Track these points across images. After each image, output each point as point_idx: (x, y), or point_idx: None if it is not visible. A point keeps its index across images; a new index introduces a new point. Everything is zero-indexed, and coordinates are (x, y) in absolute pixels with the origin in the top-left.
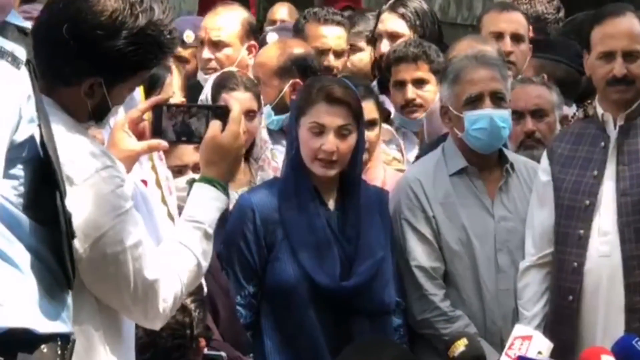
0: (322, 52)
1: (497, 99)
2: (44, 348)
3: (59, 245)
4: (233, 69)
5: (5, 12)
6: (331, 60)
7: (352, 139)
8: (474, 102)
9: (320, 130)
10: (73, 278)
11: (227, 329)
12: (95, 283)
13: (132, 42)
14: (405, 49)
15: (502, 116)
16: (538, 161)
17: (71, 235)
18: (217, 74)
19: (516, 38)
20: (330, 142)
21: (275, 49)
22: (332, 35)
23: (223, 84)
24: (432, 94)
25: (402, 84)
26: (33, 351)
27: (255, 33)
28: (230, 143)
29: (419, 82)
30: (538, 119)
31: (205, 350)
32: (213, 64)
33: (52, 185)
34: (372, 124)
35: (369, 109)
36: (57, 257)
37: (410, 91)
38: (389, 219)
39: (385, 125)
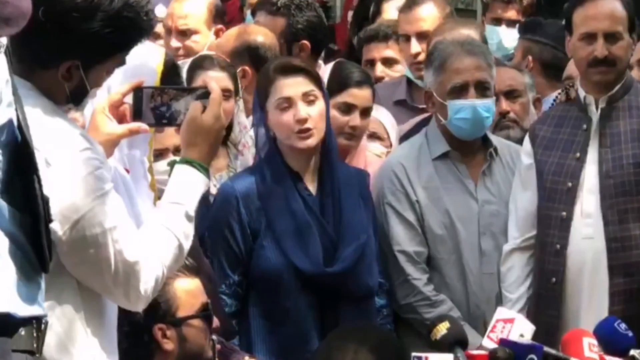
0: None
1: (482, 89)
2: (22, 331)
3: (35, 229)
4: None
5: (19, 25)
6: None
7: (320, 104)
8: (459, 91)
9: (287, 104)
10: (50, 262)
11: None
12: (75, 265)
13: (109, 24)
14: (377, 27)
15: (486, 105)
16: (515, 141)
17: (48, 219)
18: (193, 57)
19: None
20: (300, 110)
21: (234, 33)
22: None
23: (199, 65)
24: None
25: (372, 63)
26: (12, 335)
27: (222, 15)
28: (210, 124)
29: (389, 62)
30: (512, 100)
31: None
32: (181, 52)
33: (29, 170)
34: (367, 111)
35: (366, 97)
36: (33, 242)
37: (379, 70)
38: (371, 200)
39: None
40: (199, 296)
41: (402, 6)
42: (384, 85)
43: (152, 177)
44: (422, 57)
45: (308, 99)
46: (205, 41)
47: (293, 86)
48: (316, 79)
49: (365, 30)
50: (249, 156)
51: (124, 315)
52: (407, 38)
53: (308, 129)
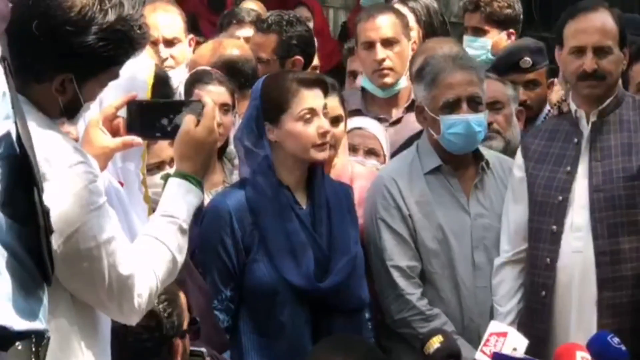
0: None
1: (474, 104)
2: (18, 345)
3: (36, 241)
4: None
5: (5, 21)
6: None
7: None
8: (451, 106)
9: (311, 115)
10: (52, 274)
11: (202, 326)
12: (69, 279)
13: (102, 38)
14: None
15: (478, 120)
16: (497, 152)
17: (49, 230)
18: (192, 71)
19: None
20: (324, 122)
21: (209, 47)
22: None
23: (197, 79)
24: None
25: (354, 75)
26: (8, 348)
27: (192, 25)
28: (204, 137)
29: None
30: (495, 111)
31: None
32: (170, 61)
33: (29, 182)
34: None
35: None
36: (34, 254)
37: (360, 81)
38: (356, 214)
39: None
40: (187, 308)
41: (361, 15)
42: None
43: (145, 189)
44: (387, 63)
45: (328, 114)
46: (185, 49)
47: (315, 98)
48: (338, 94)
49: (349, 42)
50: (245, 169)
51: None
52: (370, 45)
53: (327, 142)
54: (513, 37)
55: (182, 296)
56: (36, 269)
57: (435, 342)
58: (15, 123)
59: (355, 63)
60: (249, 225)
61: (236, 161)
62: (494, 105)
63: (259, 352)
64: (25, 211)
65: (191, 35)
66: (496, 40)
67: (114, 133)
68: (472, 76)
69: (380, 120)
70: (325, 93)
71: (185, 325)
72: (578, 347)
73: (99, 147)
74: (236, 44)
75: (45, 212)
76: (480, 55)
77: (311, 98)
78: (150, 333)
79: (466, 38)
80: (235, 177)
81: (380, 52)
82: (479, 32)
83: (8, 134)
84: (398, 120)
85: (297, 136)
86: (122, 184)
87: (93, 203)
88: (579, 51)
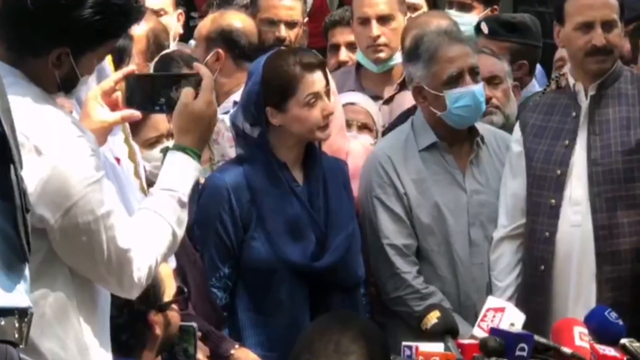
0: (273, 22)
1: (474, 74)
2: (1, 321)
3: (14, 218)
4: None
5: None
6: (282, 31)
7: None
8: (455, 80)
9: (316, 98)
10: (29, 252)
11: (198, 302)
12: (68, 253)
13: (98, 11)
14: (341, 12)
15: (480, 91)
16: (497, 127)
17: (26, 209)
18: (158, 56)
19: None
20: (328, 104)
21: (210, 18)
22: (284, 6)
23: (165, 66)
24: None
25: (336, 47)
26: None
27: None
28: (203, 110)
29: (353, 46)
30: (494, 86)
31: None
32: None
33: (6, 159)
34: (328, 93)
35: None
36: (16, 230)
37: (344, 54)
38: (351, 190)
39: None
40: (174, 280)
41: None
42: (332, 75)
43: (135, 164)
44: (382, 40)
45: (328, 92)
46: (171, 22)
47: (319, 81)
48: (325, 73)
49: (330, 15)
50: (225, 143)
51: (119, 305)
52: (365, 21)
53: (329, 122)
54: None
55: (160, 268)
56: (18, 245)
57: (433, 318)
58: None
59: (338, 36)
60: (247, 202)
61: (214, 135)
62: (492, 80)
63: (256, 330)
64: (6, 188)
65: (180, 10)
66: None
67: (113, 107)
68: (468, 48)
69: (374, 98)
70: (324, 73)
71: (166, 298)
72: (576, 322)
73: (97, 122)
74: (238, 16)
75: (23, 190)
76: (465, 32)
77: (315, 82)
78: (120, 309)
79: (452, 13)
80: (216, 151)
81: (375, 28)
82: (464, 7)
83: None
84: (391, 98)
85: (303, 121)
86: (118, 161)
87: (90, 177)
88: (586, 26)
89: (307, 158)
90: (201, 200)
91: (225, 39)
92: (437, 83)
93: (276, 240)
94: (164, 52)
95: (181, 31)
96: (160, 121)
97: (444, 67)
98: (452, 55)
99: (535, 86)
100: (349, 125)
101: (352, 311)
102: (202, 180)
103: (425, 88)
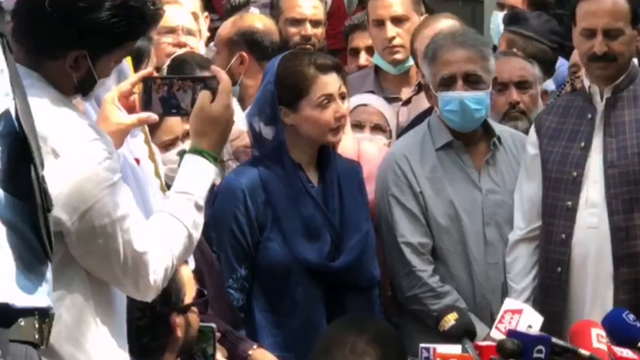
0: (299, 21)
1: (471, 81)
2: (21, 322)
3: (35, 218)
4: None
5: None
6: (308, 29)
7: (346, 100)
8: (447, 83)
9: (329, 100)
10: (51, 251)
11: (215, 304)
12: (84, 256)
13: (116, 14)
14: (361, 17)
15: (475, 98)
16: (523, 132)
17: (47, 208)
18: (171, 59)
19: None
20: (341, 106)
21: (231, 21)
22: (308, 5)
23: (178, 70)
24: None
25: (356, 51)
26: (10, 325)
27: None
28: (220, 113)
29: (373, 50)
30: (522, 91)
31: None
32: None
33: (27, 159)
34: (342, 97)
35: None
36: (37, 231)
37: (363, 58)
38: (365, 191)
39: (373, 104)
40: (195, 282)
41: None
42: (352, 77)
43: (155, 164)
44: (397, 41)
45: (342, 95)
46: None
47: (333, 83)
48: (344, 75)
49: (350, 20)
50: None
51: (141, 308)
52: (380, 23)
53: (342, 124)
54: None
55: (181, 270)
56: (39, 246)
57: (451, 319)
58: (15, 100)
59: (357, 40)
60: (262, 204)
61: None
62: (522, 85)
63: (273, 330)
64: (25, 188)
65: (206, 13)
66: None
67: (130, 109)
68: (471, 53)
69: (392, 99)
70: (340, 75)
71: (186, 300)
72: (593, 324)
73: (114, 124)
74: (258, 17)
75: (44, 190)
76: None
77: (329, 83)
78: (142, 311)
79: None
80: (225, 150)
81: (390, 30)
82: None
83: (7, 112)
84: (410, 100)
85: (314, 122)
86: (137, 161)
87: (107, 180)
88: (589, 33)
89: (321, 159)
90: (217, 202)
91: (248, 41)
92: (434, 83)
93: (292, 241)
94: (175, 54)
95: (208, 34)
96: (175, 124)
97: (439, 68)
98: (449, 59)
99: (551, 85)
100: (362, 126)
101: (368, 312)
102: (217, 182)
103: (430, 86)
